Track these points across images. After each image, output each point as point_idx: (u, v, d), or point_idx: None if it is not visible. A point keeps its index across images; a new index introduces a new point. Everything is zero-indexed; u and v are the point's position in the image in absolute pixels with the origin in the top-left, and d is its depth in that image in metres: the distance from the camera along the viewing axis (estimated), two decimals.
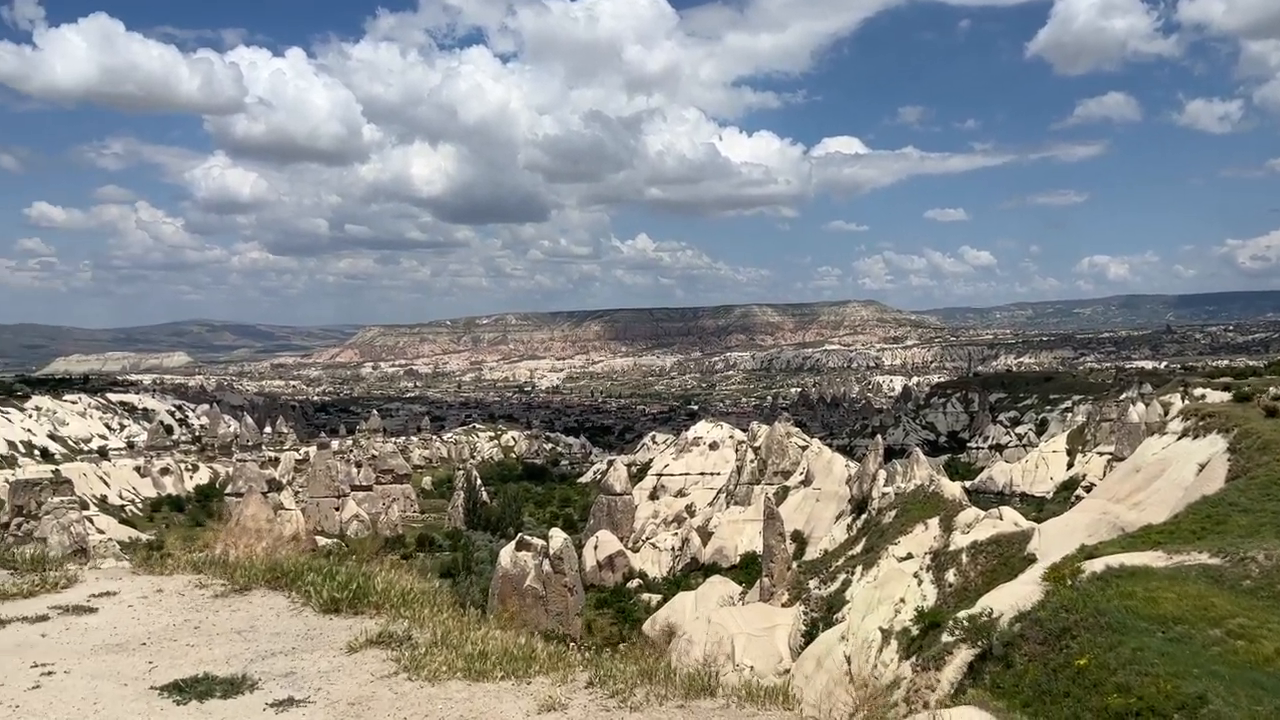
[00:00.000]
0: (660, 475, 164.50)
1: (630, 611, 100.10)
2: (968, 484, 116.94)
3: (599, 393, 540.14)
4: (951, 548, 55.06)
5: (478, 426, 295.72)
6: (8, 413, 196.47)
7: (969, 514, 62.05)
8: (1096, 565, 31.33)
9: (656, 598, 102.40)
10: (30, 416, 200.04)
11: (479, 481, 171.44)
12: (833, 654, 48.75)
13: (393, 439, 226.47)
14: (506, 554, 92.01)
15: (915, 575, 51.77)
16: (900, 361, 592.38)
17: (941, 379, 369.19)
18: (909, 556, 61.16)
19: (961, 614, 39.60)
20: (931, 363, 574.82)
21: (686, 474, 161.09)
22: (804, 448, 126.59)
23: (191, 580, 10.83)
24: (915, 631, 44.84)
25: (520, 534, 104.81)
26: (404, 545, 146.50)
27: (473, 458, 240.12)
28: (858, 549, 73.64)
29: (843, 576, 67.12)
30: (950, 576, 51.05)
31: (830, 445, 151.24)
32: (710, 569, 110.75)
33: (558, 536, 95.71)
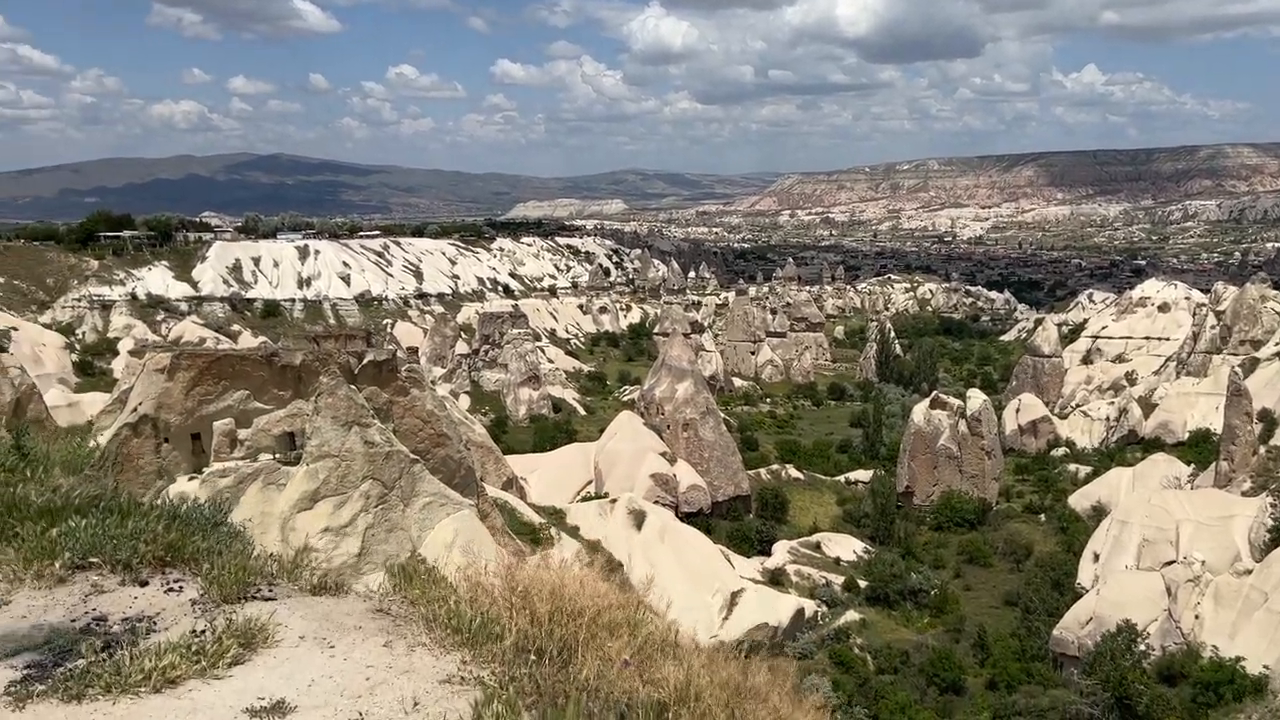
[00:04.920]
0: (1096, 337, 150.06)
1: (1054, 481, 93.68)
2: None
3: (1028, 244, 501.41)
4: None
5: (893, 277, 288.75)
6: (478, 253, 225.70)
7: None
8: None
9: (1085, 470, 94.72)
10: (495, 256, 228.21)
11: (892, 334, 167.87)
12: None
13: (807, 287, 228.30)
14: (920, 411, 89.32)
15: None
16: None
17: None
18: None
19: None
20: None
21: (1128, 338, 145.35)
22: None
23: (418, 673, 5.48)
24: None
25: (935, 391, 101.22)
26: (815, 392, 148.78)
27: (886, 309, 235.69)
28: None
29: None
30: None
31: None
32: (1151, 444, 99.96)
33: (976, 397, 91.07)
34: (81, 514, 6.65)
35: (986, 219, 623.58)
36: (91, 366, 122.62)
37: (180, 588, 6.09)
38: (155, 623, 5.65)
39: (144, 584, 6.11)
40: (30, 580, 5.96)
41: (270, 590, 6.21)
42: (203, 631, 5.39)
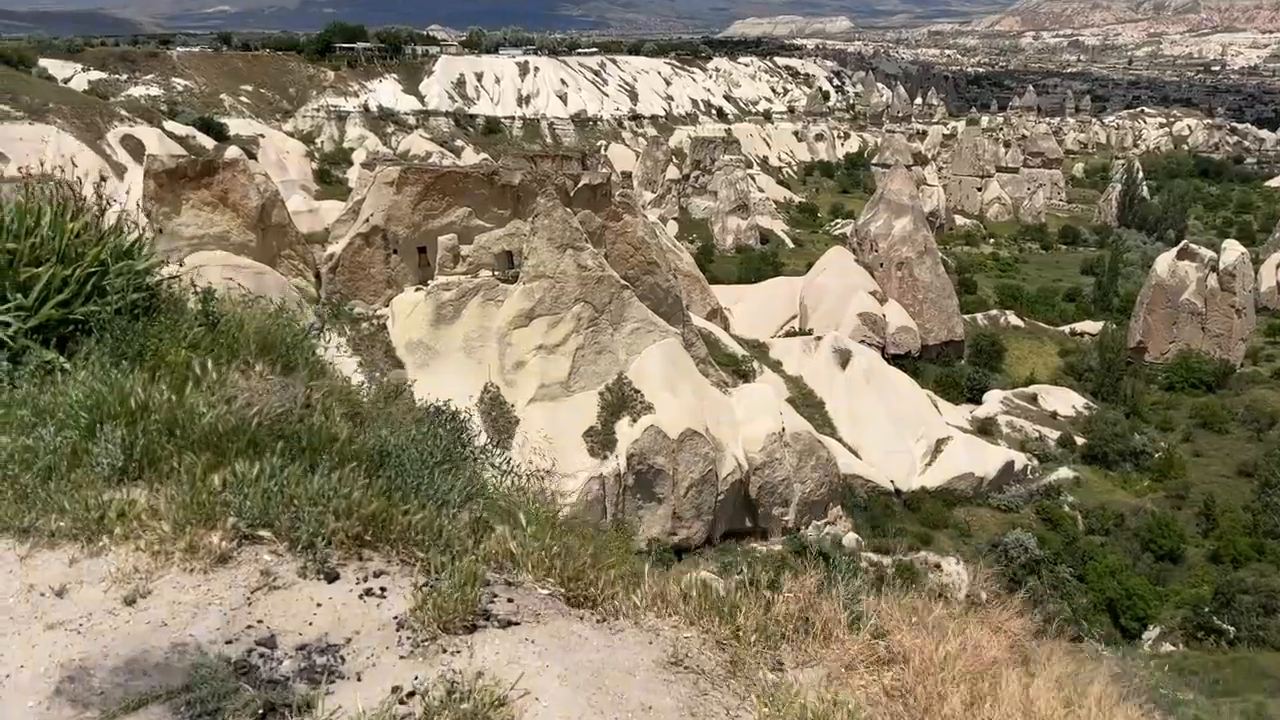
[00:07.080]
0: None
1: None
2: None
3: None
4: None
5: (1146, 111, 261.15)
6: (693, 73, 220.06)
7: None
8: None
9: None
10: (710, 77, 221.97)
11: (1140, 174, 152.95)
12: None
13: (1046, 119, 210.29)
14: (1164, 261, 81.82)
15: None
16: None
17: None
18: None
19: None
20: None
21: None
22: None
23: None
24: None
25: (1185, 240, 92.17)
26: (1045, 235, 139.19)
27: (1136, 146, 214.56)
28: None
29: None
30: None
31: None
32: None
33: (1233, 249, 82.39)
34: (257, 449, 4.80)
35: (1265, 45, 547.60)
36: (329, 175, 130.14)
37: (383, 591, 4.37)
38: (343, 659, 3.93)
39: (332, 578, 4.40)
40: (180, 557, 4.33)
41: (509, 595, 4.47)
42: (410, 695, 3.71)
